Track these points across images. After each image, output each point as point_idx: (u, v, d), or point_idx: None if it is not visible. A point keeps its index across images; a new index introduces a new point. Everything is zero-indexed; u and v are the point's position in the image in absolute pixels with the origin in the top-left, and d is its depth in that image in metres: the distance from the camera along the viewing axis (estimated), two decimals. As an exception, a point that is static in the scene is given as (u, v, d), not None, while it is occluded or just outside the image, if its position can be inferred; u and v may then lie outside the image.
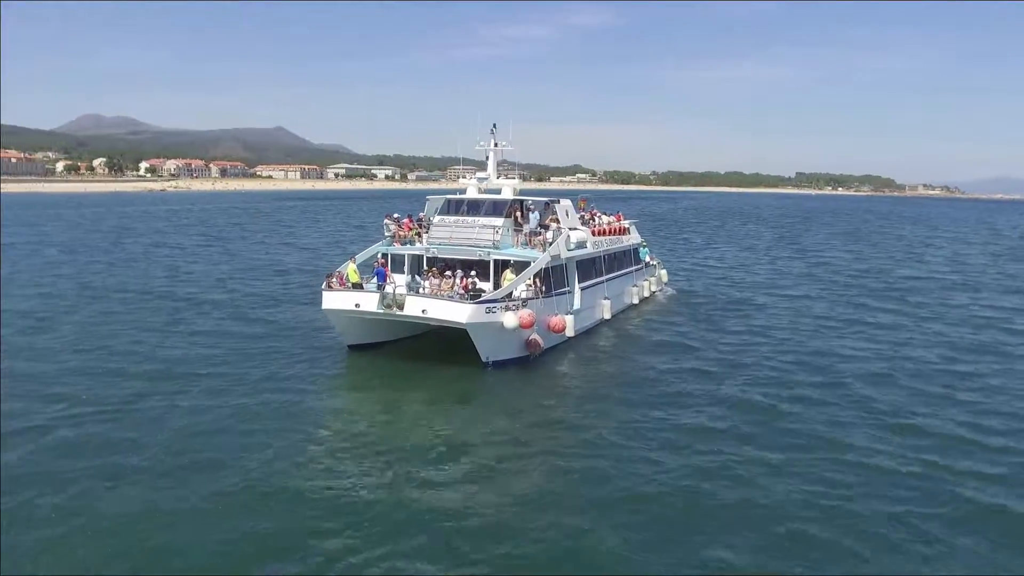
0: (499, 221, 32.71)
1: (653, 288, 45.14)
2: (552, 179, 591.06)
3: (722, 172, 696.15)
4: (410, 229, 33.82)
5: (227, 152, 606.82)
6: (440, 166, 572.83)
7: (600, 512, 16.78)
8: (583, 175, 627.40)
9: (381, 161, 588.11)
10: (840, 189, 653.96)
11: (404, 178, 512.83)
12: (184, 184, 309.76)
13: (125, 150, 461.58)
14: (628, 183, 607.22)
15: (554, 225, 34.41)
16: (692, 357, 31.52)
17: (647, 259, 45.26)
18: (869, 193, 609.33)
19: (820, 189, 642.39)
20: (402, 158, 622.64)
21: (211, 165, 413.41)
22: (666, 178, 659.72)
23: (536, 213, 34.51)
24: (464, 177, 37.24)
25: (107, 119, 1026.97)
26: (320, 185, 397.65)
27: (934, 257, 78.78)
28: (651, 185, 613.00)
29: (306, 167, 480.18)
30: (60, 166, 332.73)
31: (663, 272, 48.06)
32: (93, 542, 14.80)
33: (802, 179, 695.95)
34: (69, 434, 20.60)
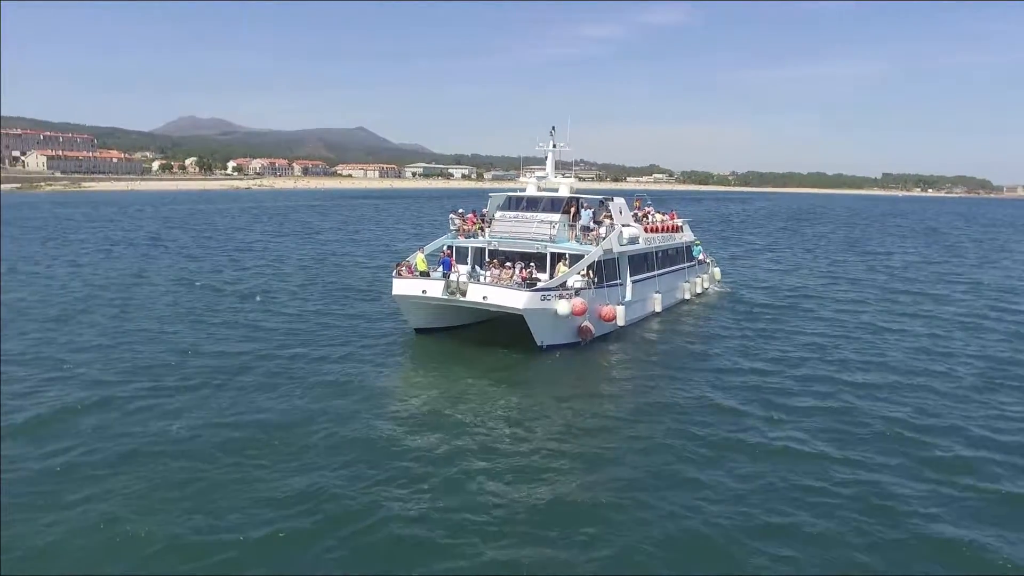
0: (556, 217, 35.34)
1: (705, 285, 46.79)
2: (628, 179, 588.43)
3: (804, 173, 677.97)
4: (473, 224, 36.86)
5: (310, 152, 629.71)
6: (516, 165, 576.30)
7: (636, 499, 17.83)
8: (659, 175, 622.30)
9: (458, 160, 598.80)
10: (930, 191, 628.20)
11: (480, 177, 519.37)
12: (268, 182, 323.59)
13: (216, 150, 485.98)
14: (705, 183, 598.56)
15: (607, 222, 36.81)
16: (735, 352, 33.01)
17: (700, 257, 46.95)
18: (962, 195, 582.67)
19: (908, 190, 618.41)
20: (479, 157, 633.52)
21: (294, 164, 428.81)
22: (745, 179, 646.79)
23: (590, 211, 36.97)
24: (525, 176, 40.44)
25: (202, 120, 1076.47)
26: (397, 184, 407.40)
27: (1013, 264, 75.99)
28: (730, 186, 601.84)
29: (384, 166, 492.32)
30: (156, 165, 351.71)
31: (716, 270, 49.69)
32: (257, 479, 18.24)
33: (889, 180, 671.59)
34: (199, 396, 24.61)
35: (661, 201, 77.78)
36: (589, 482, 18.76)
